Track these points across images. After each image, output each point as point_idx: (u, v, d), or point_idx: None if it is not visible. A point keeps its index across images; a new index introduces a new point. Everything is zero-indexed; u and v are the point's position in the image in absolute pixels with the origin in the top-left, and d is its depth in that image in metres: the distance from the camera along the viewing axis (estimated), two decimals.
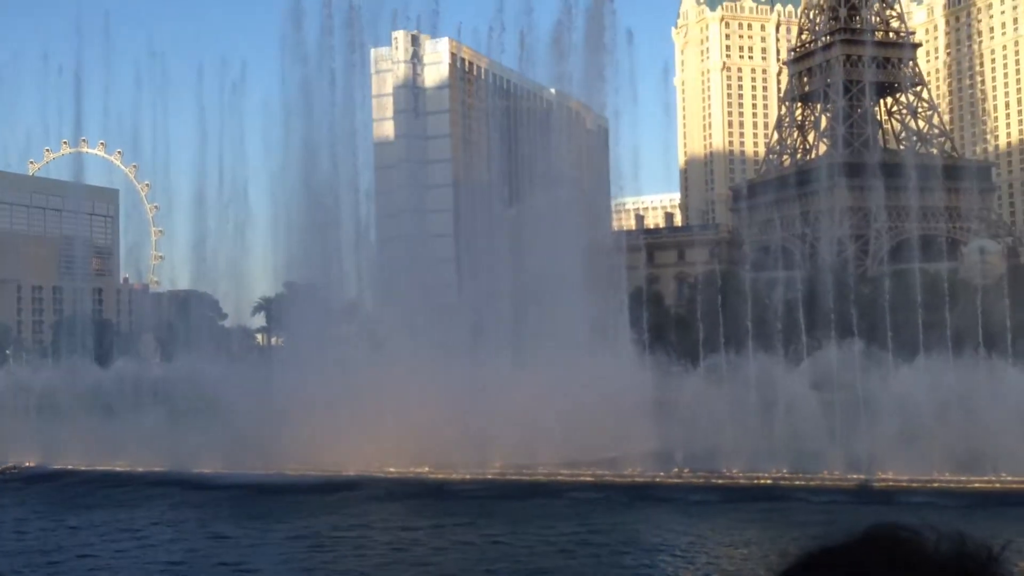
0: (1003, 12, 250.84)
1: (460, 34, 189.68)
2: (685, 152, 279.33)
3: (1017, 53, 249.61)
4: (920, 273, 67.69)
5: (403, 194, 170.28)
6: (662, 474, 39.75)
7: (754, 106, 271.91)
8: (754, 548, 29.20)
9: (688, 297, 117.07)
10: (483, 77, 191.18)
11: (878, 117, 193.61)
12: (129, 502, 37.72)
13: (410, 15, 58.59)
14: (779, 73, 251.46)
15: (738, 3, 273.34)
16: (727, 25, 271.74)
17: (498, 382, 46.32)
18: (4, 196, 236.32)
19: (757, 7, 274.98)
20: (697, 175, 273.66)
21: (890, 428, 38.25)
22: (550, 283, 52.77)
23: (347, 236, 58.80)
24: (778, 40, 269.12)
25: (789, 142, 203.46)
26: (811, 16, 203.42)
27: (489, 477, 40.20)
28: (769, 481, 37.24)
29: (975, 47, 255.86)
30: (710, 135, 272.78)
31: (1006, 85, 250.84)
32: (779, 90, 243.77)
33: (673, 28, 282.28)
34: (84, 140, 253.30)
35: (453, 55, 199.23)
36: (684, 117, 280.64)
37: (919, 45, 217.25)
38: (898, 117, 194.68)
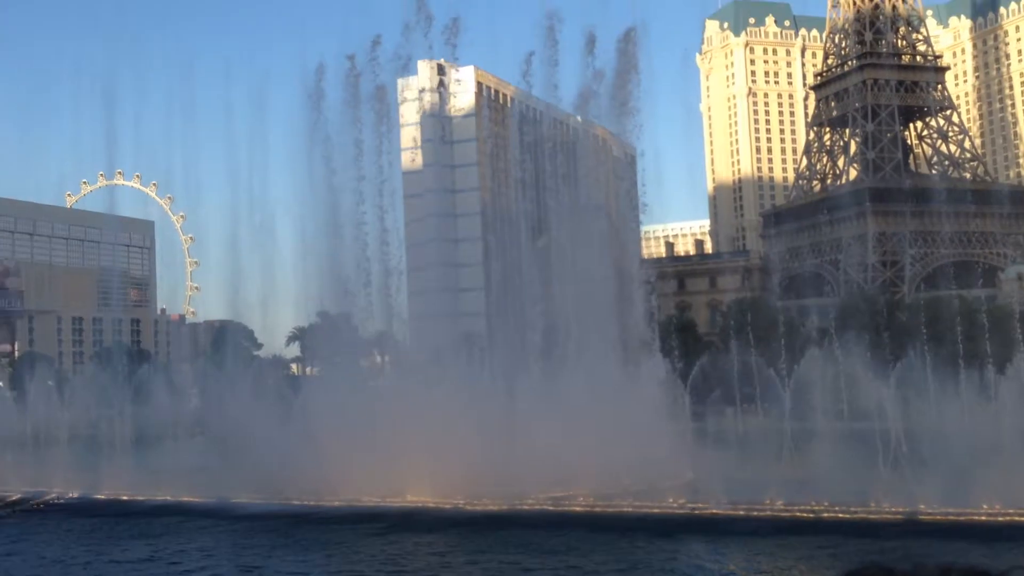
0: None
1: (484, 62, 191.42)
2: (713, 178, 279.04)
3: None
4: (959, 300, 67.18)
5: (432, 222, 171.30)
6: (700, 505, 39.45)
7: (781, 131, 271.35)
8: None
9: (721, 326, 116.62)
10: (509, 105, 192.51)
11: (908, 141, 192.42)
12: (167, 532, 38.19)
13: (433, 44, 58.66)
14: (806, 98, 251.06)
15: (762, 28, 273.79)
16: (751, 50, 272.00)
17: (529, 412, 46.44)
18: (43, 229, 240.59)
19: (781, 32, 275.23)
20: (726, 201, 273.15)
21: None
22: (580, 312, 52.99)
23: (376, 266, 59.45)
24: (803, 65, 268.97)
25: (818, 167, 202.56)
26: (836, 40, 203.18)
27: (525, 508, 40.16)
28: (811, 515, 36.87)
29: (1003, 70, 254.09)
30: (738, 161, 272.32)
31: None
32: (806, 115, 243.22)
33: (698, 54, 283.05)
34: (120, 172, 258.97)
35: (479, 83, 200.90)
36: (711, 143, 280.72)
37: (947, 68, 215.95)
38: (928, 141, 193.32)
